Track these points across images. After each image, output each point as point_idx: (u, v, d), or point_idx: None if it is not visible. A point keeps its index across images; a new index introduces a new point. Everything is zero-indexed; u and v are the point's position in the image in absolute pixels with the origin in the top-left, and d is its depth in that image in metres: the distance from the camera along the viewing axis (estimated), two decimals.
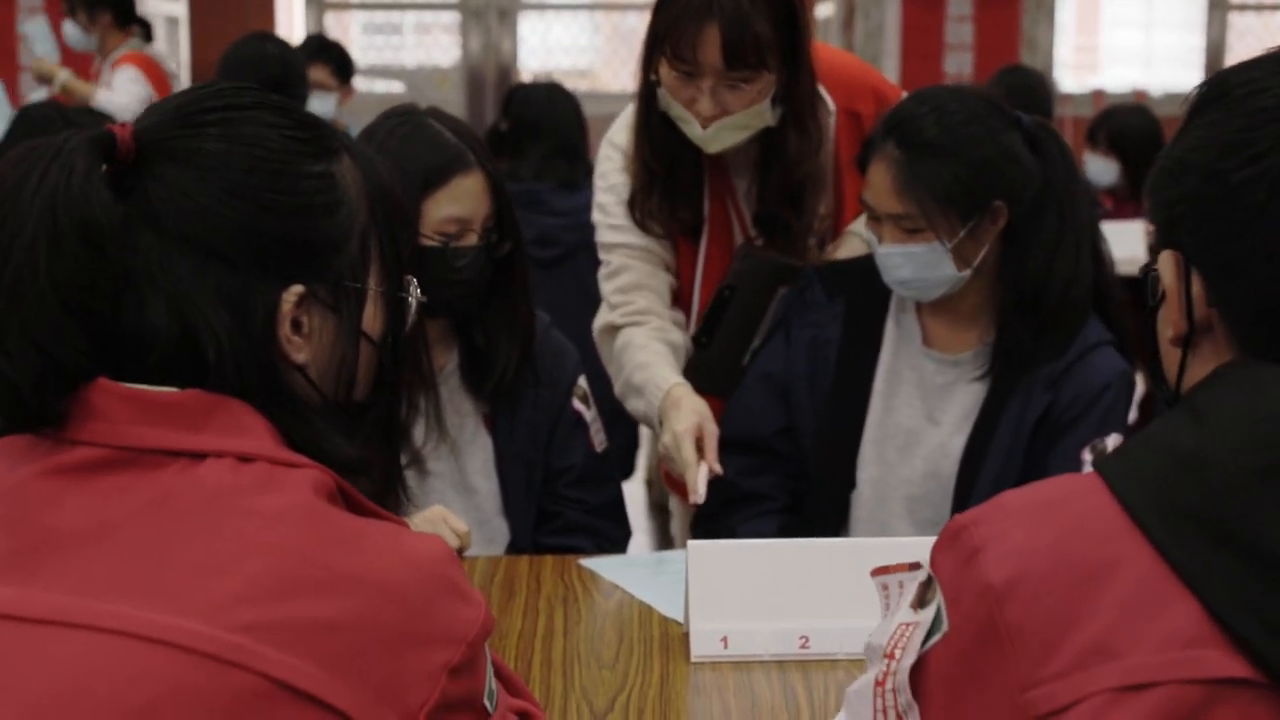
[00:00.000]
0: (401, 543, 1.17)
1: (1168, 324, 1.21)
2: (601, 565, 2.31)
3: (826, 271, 2.57)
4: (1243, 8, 8.34)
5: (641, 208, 2.61)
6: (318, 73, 5.08)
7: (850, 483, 2.47)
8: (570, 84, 6.68)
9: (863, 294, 2.50)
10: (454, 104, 8.38)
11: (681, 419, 2.36)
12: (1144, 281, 1.26)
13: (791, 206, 2.60)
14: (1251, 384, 1.11)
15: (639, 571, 2.28)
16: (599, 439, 2.57)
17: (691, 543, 1.94)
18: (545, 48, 8.86)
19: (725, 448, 2.52)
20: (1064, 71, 7.92)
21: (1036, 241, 2.36)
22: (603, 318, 2.65)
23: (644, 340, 2.57)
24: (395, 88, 9.02)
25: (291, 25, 9.63)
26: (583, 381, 2.57)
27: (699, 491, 2.28)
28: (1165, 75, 12.48)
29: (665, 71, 2.47)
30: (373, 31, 13.27)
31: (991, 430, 2.39)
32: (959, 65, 7.72)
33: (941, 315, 2.47)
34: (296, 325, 1.23)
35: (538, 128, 4.63)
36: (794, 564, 1.93)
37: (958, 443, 2.41)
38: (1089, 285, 2.38)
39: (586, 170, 4.67)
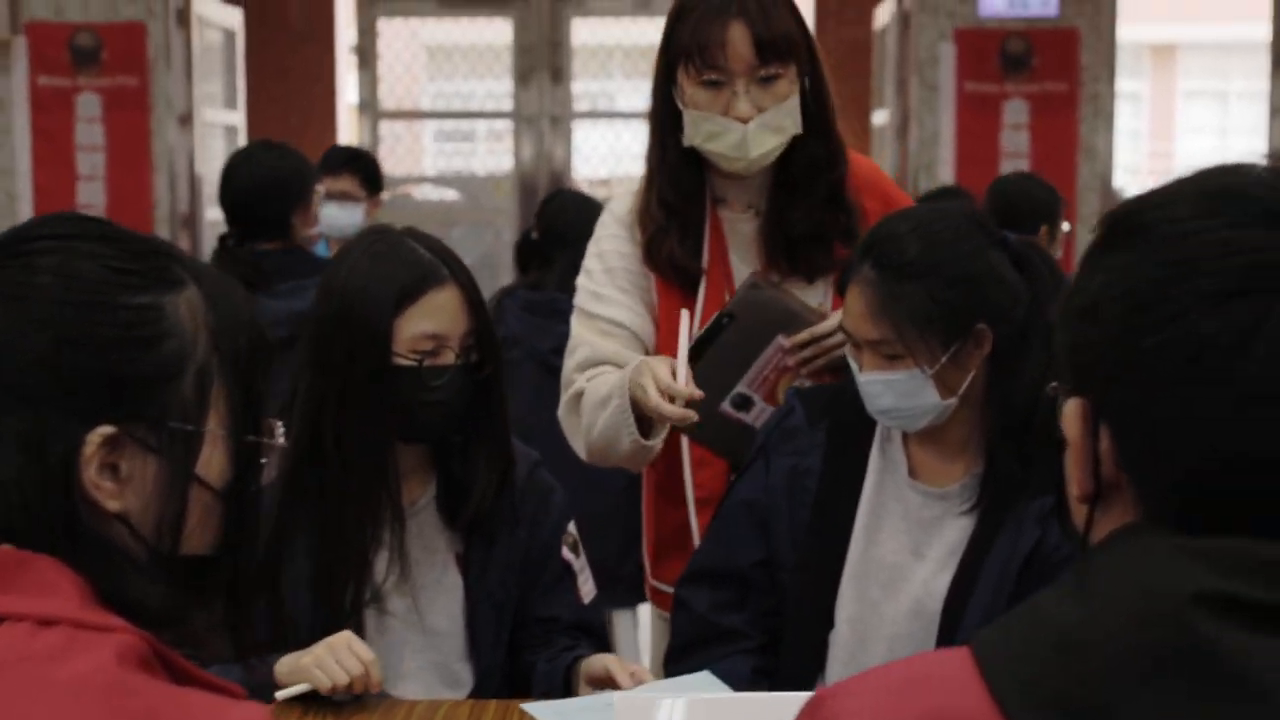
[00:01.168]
0: (218, 715, 1.06)
1: (1073, 479, 1.08)
2: (543, 710, 2.18)
3: (808, 396, 2.44)
4: None
5: (659, 250, 2.56)
6: (345, 183, 5.05)
7: (829, 621, 2.32)
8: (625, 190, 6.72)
9: (846, 421, 2.37)
10: (507, 212, 8.36)
11: (646, 364, 2.36)
12: (1051, 408, 1.12)
13: (832, 205, 2.57)
14: (1141, 556, 0.98)
15: (587, 717, 2.15)
16: (587, 589, 2.45)
17: (618, 696, 1.81)
18: (599, 155, 8.85)
19: (699, 579, 2.41)
20: (1133, 178, 7.77)
21: (1024, 366, 2.22)
22: (569, 391, 2.57)
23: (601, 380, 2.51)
24: (450, 195, 9.04)
25: (354, 133, 9.70)
26: (572, 528, 2.45)
27: (683, 388, 2.31)
28: None
29: (693, 90, 2.48)
30: (443, 139, 13.42)
31: (979, 566, 2.25)
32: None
33: (928, 445, 2.33)
34: (112, 469, 1.13)
35: (565, 237, 4.58)
36: (726, 715, 1.80)
37: (943, 580, 2.27)
38: None
39: None
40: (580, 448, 2.54)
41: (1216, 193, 1.02)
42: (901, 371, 2.21)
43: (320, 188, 4.59)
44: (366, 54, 8.14)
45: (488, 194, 8.69)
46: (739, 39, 2.44)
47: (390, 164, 8.41)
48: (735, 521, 2.41)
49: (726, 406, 2.53)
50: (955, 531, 2.30)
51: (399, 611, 2.34)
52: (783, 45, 2.45)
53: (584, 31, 8.41)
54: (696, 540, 2.59)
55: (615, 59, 13.65)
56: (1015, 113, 7.50)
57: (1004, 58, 7.54)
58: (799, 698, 1.91)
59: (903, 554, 2.31)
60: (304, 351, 2.30)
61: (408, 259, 2.28)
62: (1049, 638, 0.97)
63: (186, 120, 7.12)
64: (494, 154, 12.40)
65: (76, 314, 1.13)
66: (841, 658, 2.32)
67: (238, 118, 8.15)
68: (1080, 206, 7.56)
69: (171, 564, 1.18)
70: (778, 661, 2.37)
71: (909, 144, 7.44)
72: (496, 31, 8.55)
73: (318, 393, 2.26)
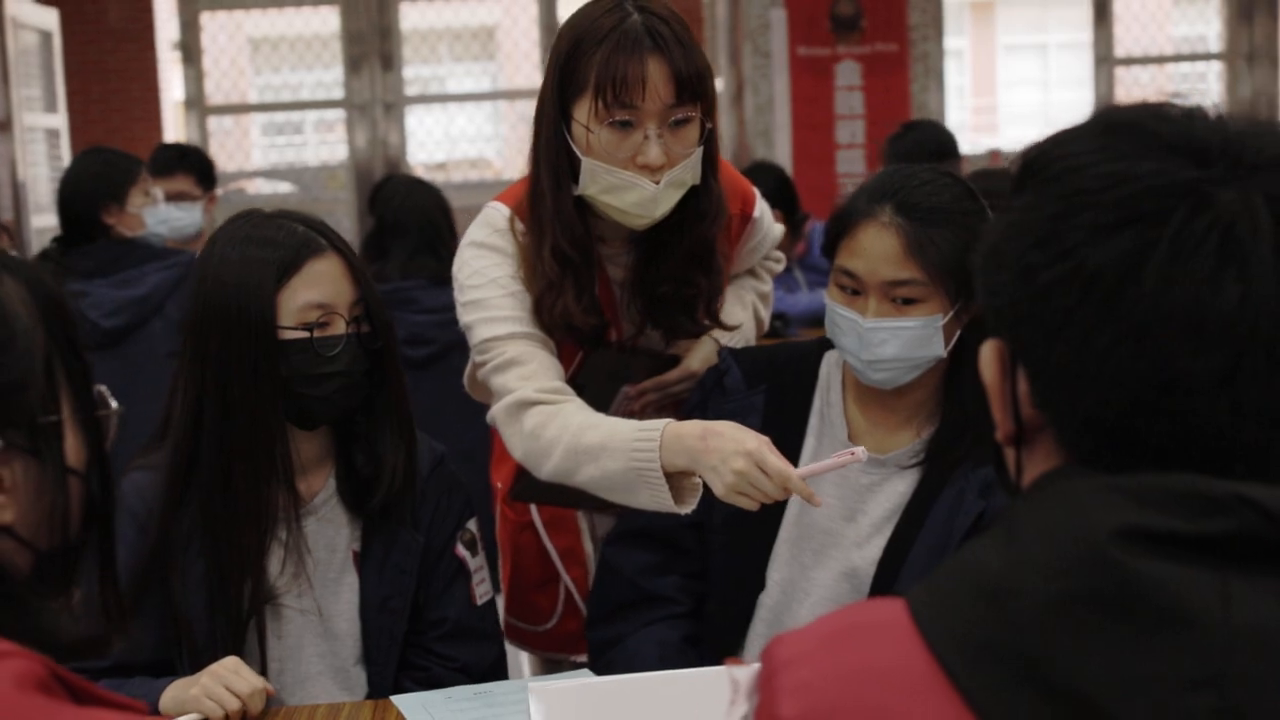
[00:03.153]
0: None
1: (997, 421, 1.08)
2: (410, 702, 2.14)
3: (745, 357, 2.38)
4: (1128, 62, 8.36)
5: (551, 310, 2.29)
6: (179, 183, 4.92)
7: (760, 584, 2.28)
8: (466, 174, 6.62)
9: (785, 384, 2.33)
10: (345, 202, 8.24)
11: (745, 438, 2.00)
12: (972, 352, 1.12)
13: (701, 268, 2.38)
14: (1064, 498, 0.98)
15: (458, 708, 2.11)
16: (481, 590, 2.36)
17: (532, 684, 1.77)
18: (434, 140, 8.76)
19: (625, 540, 2.36)
20: (960, 134, 7.90)
21: None
22: (510, 397, 2.24)
23: (576, 409, 2.21)
24: (283, 188, 8.89)
25: (180, 129, 9.49)
26: (472, 525, 2.37)
27: (814, 496, 2.03)
28: None
29: (598, 130, 2.21)
30: (273, 132, 13.21)
31: (913, 533, 2.22)
32: (851, 134, 7.67)
33: (872, 410, 2.30)
34: None
35: (401, 224, 4.51)
36: (648, 698, 1.78)
37: (877, 545, 2.24)
38: None
39: None
40: (519, 454, 2.27)
41: (1112, 128, 1.02)
42: (916, 318, 2.17)
43: (157, 190, 4.52)
44: (190, 49, 7.95)
45: (322, 185, 8.56)
46: (657, 75, 2.18)
47: (220, 160, 8.24)
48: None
49: None
50: (892, 498, 2.27)
51: (299, 612, 2.26)
52: (698, 84, 2.21)
53: (413, 15, 8.31)
54: (557, 559, 2.57)
55: (444, 42, 13.53)
56: (848, 74, 7.57)
57: (834, 21, 7.60)
58: (717, 672, 1.93)
59: (836, 519, 2.26)
60: (182, 349, 2.22)
61: (282, 234, 2.20)
62: (977, 586, 0.97)
63: (5, 126, 6.91)
64: (326, 144, 12.23)
65: None
66: (767, 619, 2.29)
67: (59, 120, 7.92)
68: None
69: (60, 562, 1.14)
70: (703, 625, 2.33)
71: (745, 111, 7.48)
72: (323, 20, 8.42)
73: (198, 388, 2.17)
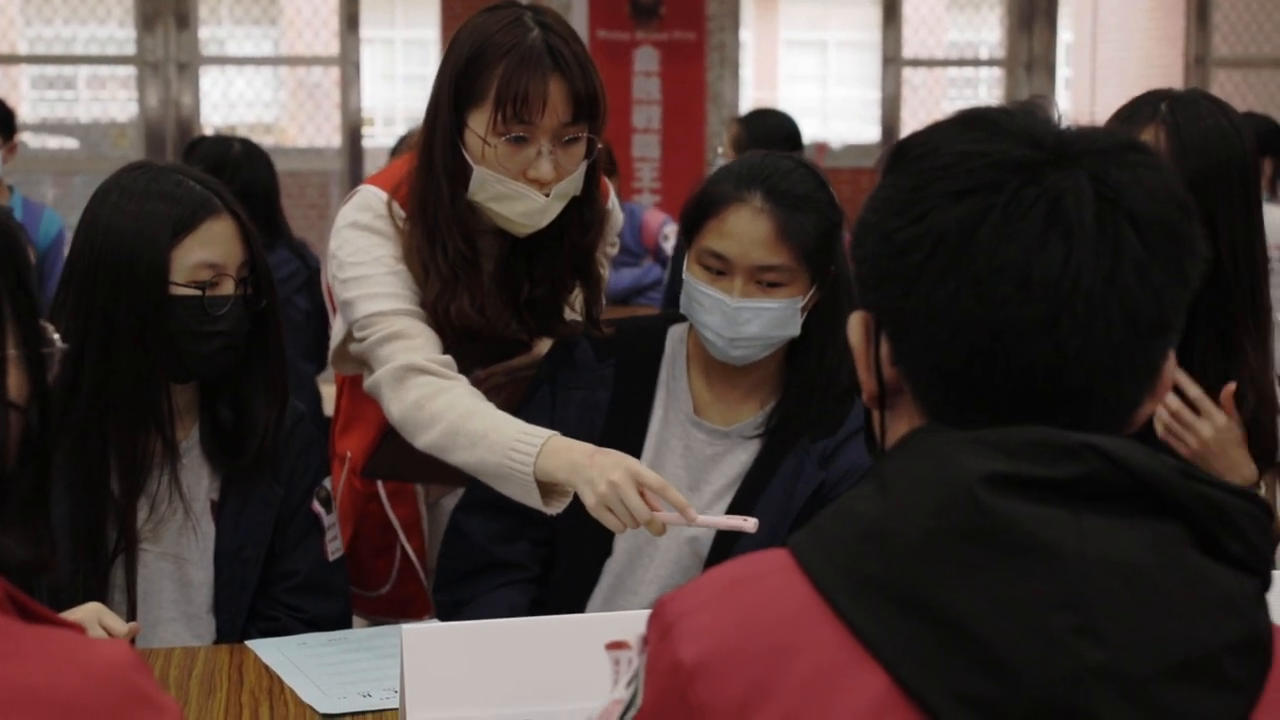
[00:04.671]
0: (80, 651, 1.04)
1: (862, 383, 1.22)
2: (266, 647, 2.20)
3: (594, 330, 2.46)
4: (915, 63, 8.66)
5: (446, 310, 2.32)
6: None
7: (607, 550, 2.37)
8: (261, 138, 6.52)
9: (633, 358, 2.41)
10: (133, 160, 8.05)
11: (611, 468, 2.07)
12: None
13: (581, 275, 2.47)
14: (931, 451, 1.10)
15: (313, 653, 2.18)
16: (334, 546, 2.41)
17: (405, 627, 1.83)
18: (228, 102, 8.61)
19: (474, 508, 2.42)
20: None
21: (843, 315, 2.30)
22: (398, 361, 2.27)
23: (466, 391, 2.26)
24: (69, 144, 8.65)
25: None
26: (327, 483, 2.42)
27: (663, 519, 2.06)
28: (843, 128, 12.94)
29: (494, 142, 2.27)
30: (44, 86, 12.77)
31: (754, 499, 2.33)
32: (647, 119, 7.80)
33: (718, 384, 2.40)
34: None
35: (244, 194, 4.43)
36: (521, 644, 1.84)
37: (719, 509, 2.34)
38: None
39: (282, 231, 4.50)
40: (397, 417, 2.30)
41: (967, 121, 1.18)
42: (781, 300, 2.26)
43: None
44: None
45: (109, 143, 8.35)
46: (557, 95, 2.24)
47: None
48: None
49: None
50: (734, 466, 2.36)
51: (156, 557, 2.29)
52: (591, 105, 2.27)
53: None
54: (398, 527, 2.64)
55: (225, 4, 13.24)
56: (646, 60, 7.70)
57: (634, 6, 7.72)
58: (587, 619, 2.02)
59: (682, 488, 2.31)
60: (63, 293, 2.21)
61: (179, 191, 2.22)
62: (857, 530, 1.08)
63: None
64: (99, 101, 11.88)
65: None
66: (610, 584, 2.38)
67: None
68: (708, 152, 7.83)
69: None
70: (548, 590, 2.41)
71: None
72: None
73: (79, 334, 2.18)
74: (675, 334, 2.46)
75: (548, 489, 2.17)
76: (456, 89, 2.30)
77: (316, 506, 2.40)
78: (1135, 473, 1.06)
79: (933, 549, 1.05)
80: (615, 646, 1.25)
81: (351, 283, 2.36)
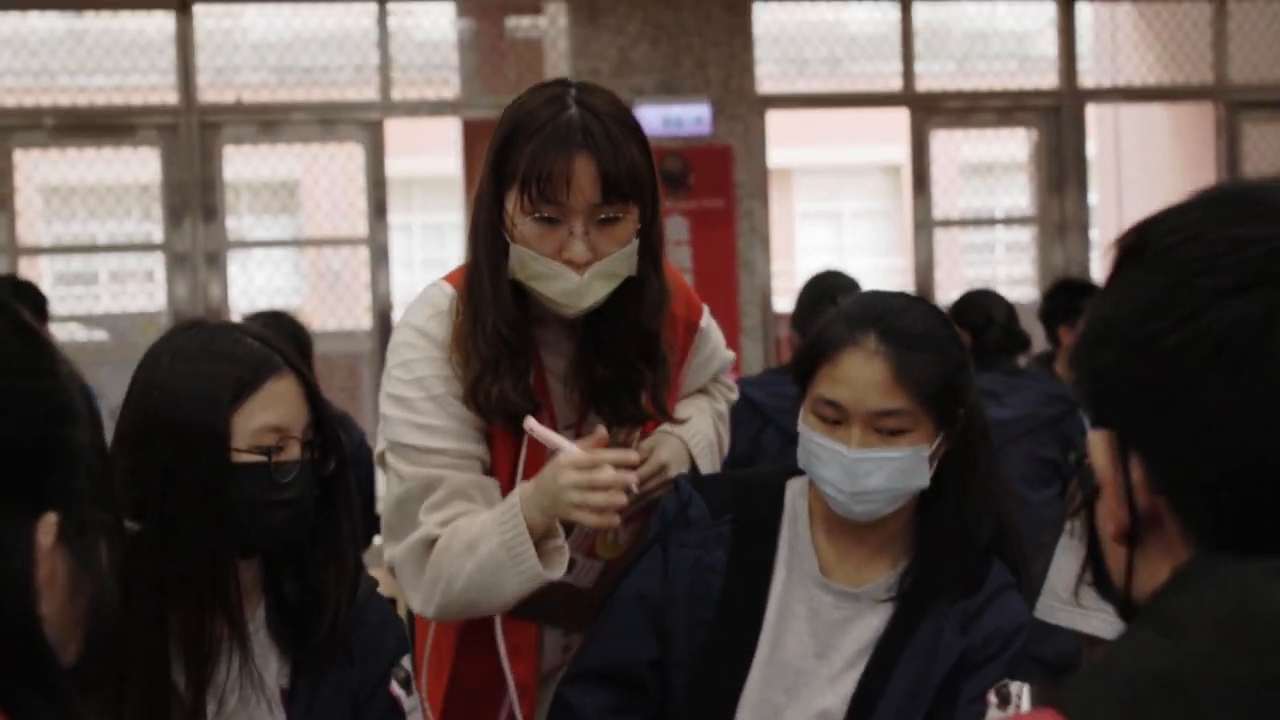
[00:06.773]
0: None
1: (1107, 517, 1.05)
2: None
3: (707, 486, 2.30)
4: (946, 224, 8.64)
5: (487, 394, 2.24)
6: None
7: None
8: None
9: (753, 514, 2.24)
10: None
11: (558, 473, 2.13)
12: (1079, 472, 1.10)
13: (647, 360, 2.32)
14: (1228, 585, 0.94)
15: None
16: None
17: None
18: (254, 289, 8.61)
19: (586, 679, 2.24)
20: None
21: (982, 461, 2.16)
22: (416, 534, 2.24)
23: (461, 527, 2.22)
24: (98, 335, 8.61)
25: None
26: (406, 662, 2.21)
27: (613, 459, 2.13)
28: None
29: (523, 223, 2.19)
30: (70, 280, 12.84)
31: (890, 668, 2.14)
32: None
33: (843, 542, 2.21)
34: None
35: None
36: None
37: (850, 680, 2.16)
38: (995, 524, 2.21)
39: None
40: (429, 603, 2.25)
41: (1220, 200, 1.03)
42: (904, 449, 2.10)
43: None
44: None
45: (137, 332, 8.31)
46: (583, 174, 2.14)
47: None
48: (628, 617, 2.23)
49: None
50: (866, 632, 2.19)
51: None
52: (629, 184, 2.16)
53: (228, 170, 8.19)
54: (513, 690, 2.39)
55: (243, 197, 13.39)
56: (676, 229, 7.68)
57: (663, 176, 7.72)
58: None
59: (808, 657, 2.18)
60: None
61: (237, 350, 2.05)
62: (1146, 683, 0.92)
63: None
64: (126, 293, 11.94)
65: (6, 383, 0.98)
66: None
67: None
68: (743, 319, 7.77)
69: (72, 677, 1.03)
70: None
71: None
72: (132, 171, 8.22)
73: (133, 511, 2.02)
74: (795, 488, 2.28)
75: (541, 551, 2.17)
76: (495, 167, 2.23)
77: (395, 688, 2.19)
78: None
79: (1255, 702, 0.89)
80: None
81: (392, 401, 2.31)
